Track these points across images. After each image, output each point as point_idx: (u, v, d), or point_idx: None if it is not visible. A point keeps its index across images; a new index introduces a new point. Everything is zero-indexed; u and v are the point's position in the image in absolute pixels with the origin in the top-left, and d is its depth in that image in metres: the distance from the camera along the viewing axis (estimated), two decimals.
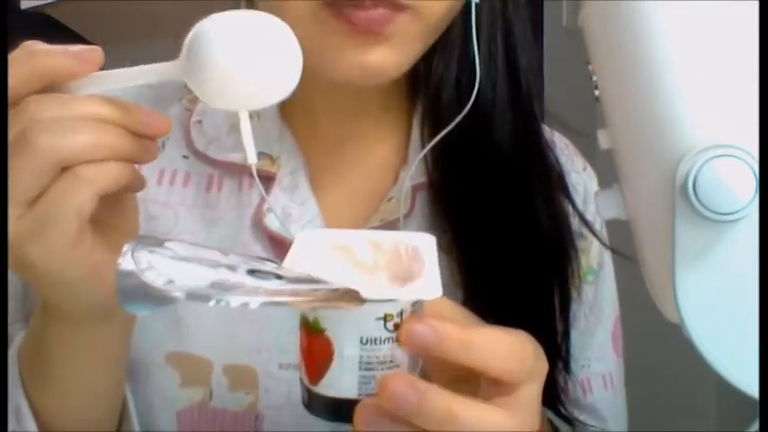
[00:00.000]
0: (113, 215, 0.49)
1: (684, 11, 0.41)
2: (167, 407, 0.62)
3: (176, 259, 0.40)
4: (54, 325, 0.52)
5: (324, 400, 0.42)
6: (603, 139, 0.46)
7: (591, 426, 0.70)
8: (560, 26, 1.55)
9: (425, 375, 0.44)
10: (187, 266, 0.40)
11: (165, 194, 0.65)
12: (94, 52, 0.45)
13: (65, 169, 0.43)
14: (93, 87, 0.46)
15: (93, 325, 0.52)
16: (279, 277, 0.40)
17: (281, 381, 0.62)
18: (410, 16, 0.55)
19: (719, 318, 0.41)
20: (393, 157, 0.67)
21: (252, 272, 0.40)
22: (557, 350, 0.65)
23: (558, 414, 0.65)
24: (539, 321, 0.62)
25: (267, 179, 0.64)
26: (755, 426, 0.41)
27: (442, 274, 0.43)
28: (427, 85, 0.65)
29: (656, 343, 1.07)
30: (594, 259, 0.71)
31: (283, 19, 0.46)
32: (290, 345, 0.45)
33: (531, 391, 0.43)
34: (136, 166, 0.47)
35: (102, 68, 0.46)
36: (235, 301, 0.37)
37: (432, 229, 0.64)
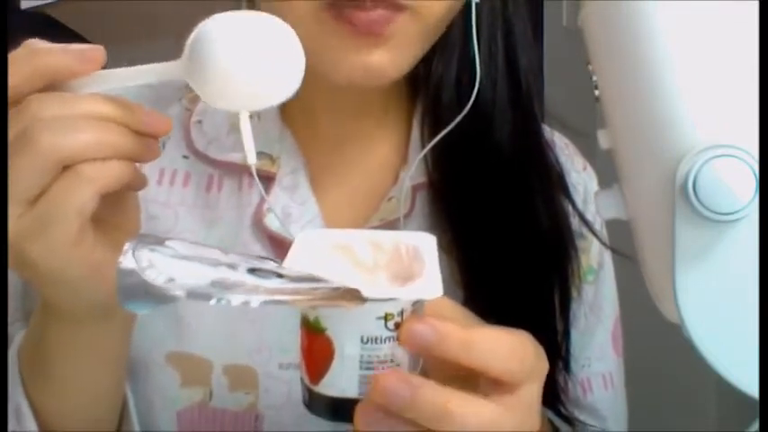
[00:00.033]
0: (115, 214, 0.49)
1: (684, 11, 0.41)
2: (167, 407, 0.62)
3: (177, 258, 0.40)
4: (54, 324, 0.52)
5: (324, 399, 0.42)
6: (603, 139, 0.46)
7: (591, 426, 0.70)
8: (560, 26, 1.55)
9: (426, 375, 0.44)
10: (188, 265, 0.40)
11: (165, 194, 0.65)
12: (96, 51, 0.45)
13: (66, 168, 0.43)
14: (96, 86, 0.46)
15: (94, 324, 0.52)
16: (279, 276, 0.40)
17: (282, 381, 0.62)
18: (410, 17, 0.55)
19: (719, 318, 0.41)
20: (393, 157, 0.67)
21: (252, 270, 0.40)
22: (557, 350, 0.65)
23: (559, 414, 0.65)
24: (539, 321, 0.62)
25: (267, 179, 0.64)
26: (755, 426, 0.41)
27: (442, 273, 0.43)
28: (427, 85, 0.65)
29: (656, 343, 1.07)
30: (594, 259, 0.71)
31: (284, 20, 0.46)
32: (291, 344, 0.45)
33: (532, 391, 0.43)
34: (137, 165, 0.48)
35: (103, 68, 0.46)
36: (235, 299, 0.37)
37: (432, 228, 0.64)
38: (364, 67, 0.55)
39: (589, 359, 0.71)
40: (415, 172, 0.65)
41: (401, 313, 0.41)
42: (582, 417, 0.69)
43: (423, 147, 0.65)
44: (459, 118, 0.61)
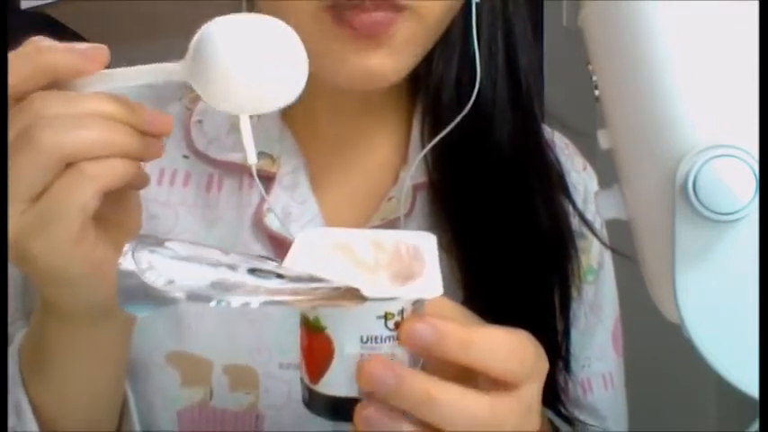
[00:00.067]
0: (117, 212, 0.49)
1: (684, 11, 0.41)
2: (168, 406, 0.62)
3: (177, 259, 0.40)
4: (54, 323, 0.52)
5: (324, 398, 0.42)
6: (603, 139, 0.46)
7: (591, 425, 0.70)
8: (560, 26, 1.55)
9: None
10: (187, 266, 0.40)
11: (166, 194, 0.65)
12: (100, 50, 0.46)
13: (69, 165, 0.44)
14: (99, 85, 0.46)
15: (94, 324, 0.52)
16: (279, 276, 0.40)
17: (282, 380, 0.62)
18: (410, 18, 0.55)
19: (719, 318, 0.41)
20: (393, 157, 0.67)
21: (252, 271, 0.40)
22: (557, 350, 0.65)
23: (559, 414, 0.65)
24: (539, 321, 0.62)
25: (267, 179, 0.64)
26: (755, 426, 0.41)
27: (442, 273, 0.43)
28: (427, 85, 0.65)
29: (656, 343, 1.07)
30: (595, 259, 0.71)
31: (284, 22, 0.46)
32: (291, 344, 0.46)
33: (532, 391, 0.43)
34: (140, 164, 0.48)
35: (106, 68, 0.46)
36: (236, 301, 0.37)
37: (432, 228, 0.64)
38: (365, 70, 0.55)
39: (589, 359, 0.71)
40: (415, 171, 0.65)
41: (401, 313, 0.41)
42: (582, 417, 0.69)
43: (423, 146, 0.65)
44: (459, 118, 0.61)
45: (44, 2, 2.04)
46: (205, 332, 0.62)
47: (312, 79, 0.48)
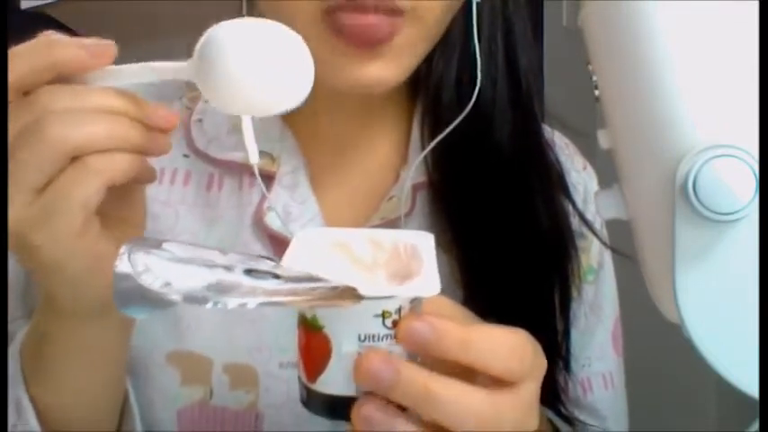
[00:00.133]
0: (122, 208, 0.49)
1: (684, 11, 0.41)
2: (168, 406, 0.62)
3: (174, 261, 0.40)
4: (55, 320, 0.52)
5: (322, 397, 0.42)
6: (603, 139, 0.46)
7: (591, 425, 0.70)
8: (560, 26, 1.55)
9: None
10: (184, 268, 0.40)
11: (166, 193, 0.65)
12: (107, 46, 0.46)
13: (74, 159, 0.44)
14: (106, 81, 0.46)
15: (94, 321, 0.52)
16: (276, 276, 0.40)
17: (281, 379, 0.62)
18: (410, 23, 0.55)
19: (719, 318, 0.41)
20: (393, 157, 0.68)
21: (250, 272, 0.40)
22: (557, 349, 0.65)
23: (559, 414, 0.65)
24: (539, 320, 0.62)
25: (267, 178, 0.64)
26: (755, 426, 0.41)
27: (442, 273, 0.43)
28: (427, 85, 0.65)
29: (656, 343, 1.07)
30: (595, 259, 0.71)
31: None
32: (290, 343, 0.45)
33: (531, 390, 0.43)
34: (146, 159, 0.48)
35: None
36: (232, 302, 0.37)
37: (432, 228, 0.64)
38: (365, 79, 0.56)
39: (589, 359, 0.71)
40: (415, 171, 0.65)
41: (399, 311, 0.41)
42: (582, 416, 0.69)
43: (423, 146, 0.65)
44: (459, 118, 0.61)
45: (44, 2, 2.04)
46: (205, 331, 0.62)
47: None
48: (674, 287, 0.41)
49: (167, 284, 0.37)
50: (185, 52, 0.47)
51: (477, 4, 0.61)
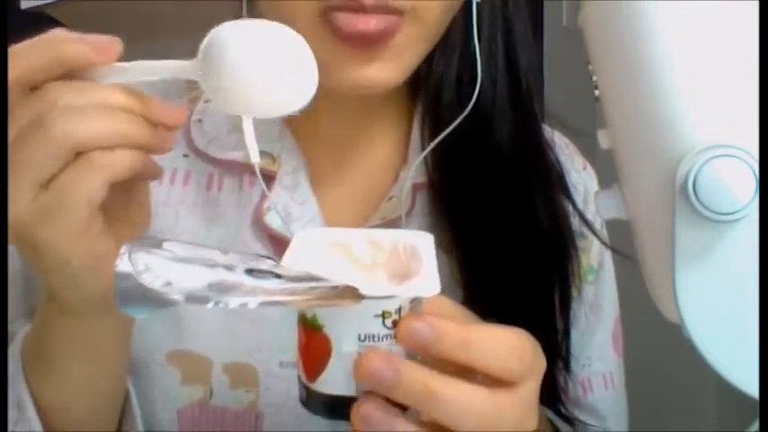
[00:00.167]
0: (126, 206, 0.50)
1: (684, 11, 0.41)
2: (168, 405, 0.62)
3: (174, 260, 0.40)
4: (57, 318, 0.52)
5: (321, 397, 0.42)
6: (603, 139, 0.46)
7: (591, 425, 0.70)
8: (560, 26, 1.56)
9: None
10: (185, 268, 0.40)
11: (166, 193, 0.65)
12: (113, 43, 0.46)
13: (79, 155, 0.44)
14: (112, 78, 0.46)
15: (95, 318, 0.52)
16: (277, 276, 0.40)
17: (282, 379, 0.62)
18: (410, 23, 0.55)
19: (719, 318, 0.41)
20: (393, 157, 0.68)
21: (250, 271, 0.40)
22: (557, 349, 0.65)
23: (559, 414, 0.65)
24: (539, 321, 0.62)
25: (268, 178, 0.64)
26: (755, 426, 0.41)
27: (441, 273, 0.43)
28: (428, 85, 0.65)
29: (656, 343, 1.07)
30: (595, 259, 0.72)
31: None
32: (291, 343, 0.46)
33: (530, 389, 0.43)
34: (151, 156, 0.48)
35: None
36: (233, 302, 0.37)
37: (432, 228, 0.64)
38: (365, 80, 0.56)
39: (589, 359, 0.71)
40: (415, 171, 0.65)
41: (399, 311, 0.41)
42: (582, 416, 0.69)
43: (423, 146, 0.65)
44: (460, 119, 0.61)
45: (44, 2, 2.04)
46: (205, 331, 0.62)
47: None
48: (674, 287, 0.41)
49: (168, 284, 0.37)
50: (185, 52, 0.47)
51: (477, 4, 0.61)
